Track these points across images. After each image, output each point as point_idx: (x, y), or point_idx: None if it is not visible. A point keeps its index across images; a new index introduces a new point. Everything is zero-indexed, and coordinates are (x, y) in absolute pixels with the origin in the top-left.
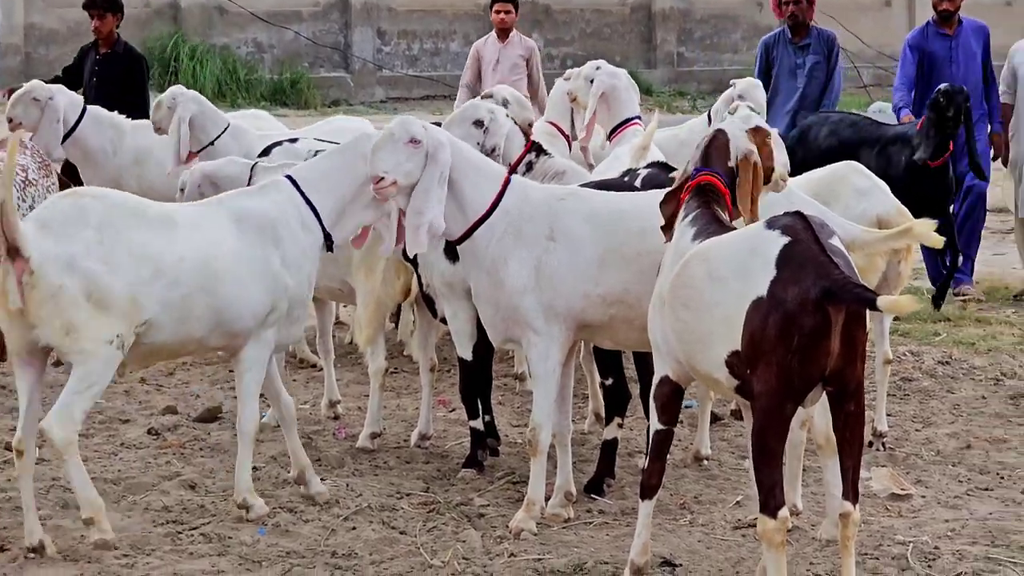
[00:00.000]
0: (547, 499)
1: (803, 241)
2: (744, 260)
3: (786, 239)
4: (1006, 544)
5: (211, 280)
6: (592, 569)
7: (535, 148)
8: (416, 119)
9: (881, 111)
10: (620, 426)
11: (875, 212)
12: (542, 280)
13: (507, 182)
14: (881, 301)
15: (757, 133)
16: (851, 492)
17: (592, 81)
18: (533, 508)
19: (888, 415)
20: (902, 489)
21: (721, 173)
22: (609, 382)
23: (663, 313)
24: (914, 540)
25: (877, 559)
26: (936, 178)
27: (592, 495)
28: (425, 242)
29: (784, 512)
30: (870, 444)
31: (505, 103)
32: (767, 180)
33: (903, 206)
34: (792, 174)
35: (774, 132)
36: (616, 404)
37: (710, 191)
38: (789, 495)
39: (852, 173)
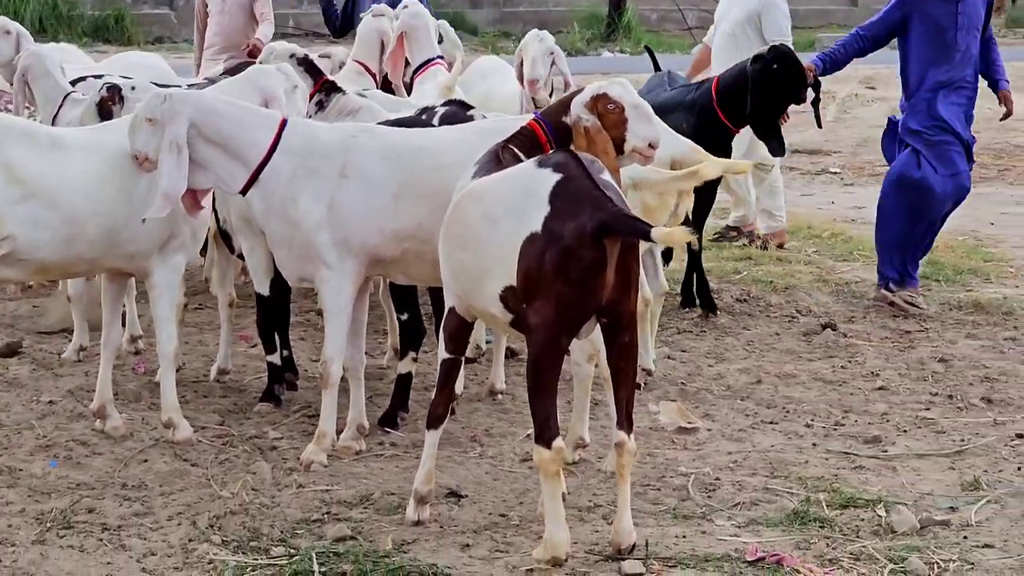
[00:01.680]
0: (342, 432)
1: (576, 177)
2: (517, 198)
3: (558, 176)
4: (784, 475)
5: (99, 204)
6: (379, 500)
7: (326, 87)
8: (160, 93)
9: None
10: (415, 360)
11: (668, 154)
12: (335, 216)
13: (283, 125)
14: (655, 232)
15: (599, 101)
16: (625, 422)
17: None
18: (324, 440)
19: (682, 351)
20: (689, 423)
21: (549, 124)
22: (404, 317)
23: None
24: (696, 472)
25: (659, 490)
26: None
27: (385, 428)
28: (162, 208)
29: (559, 443)
30: None
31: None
32: (620, 151)
33: (696, 144)
34: None
35: (637, 105)
36: (411, 339)
37: (523, 135)
38: (577, 428)
39: None
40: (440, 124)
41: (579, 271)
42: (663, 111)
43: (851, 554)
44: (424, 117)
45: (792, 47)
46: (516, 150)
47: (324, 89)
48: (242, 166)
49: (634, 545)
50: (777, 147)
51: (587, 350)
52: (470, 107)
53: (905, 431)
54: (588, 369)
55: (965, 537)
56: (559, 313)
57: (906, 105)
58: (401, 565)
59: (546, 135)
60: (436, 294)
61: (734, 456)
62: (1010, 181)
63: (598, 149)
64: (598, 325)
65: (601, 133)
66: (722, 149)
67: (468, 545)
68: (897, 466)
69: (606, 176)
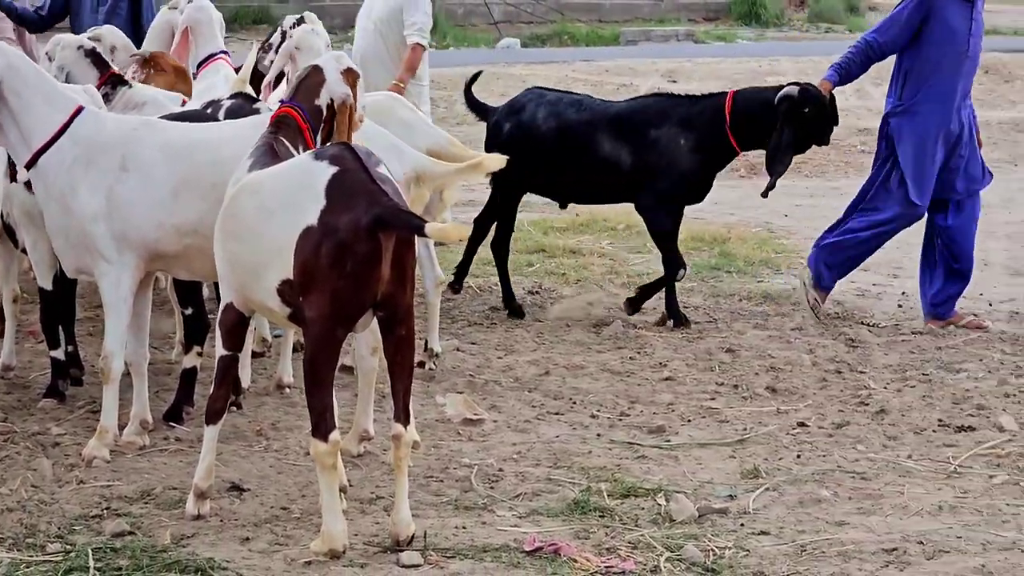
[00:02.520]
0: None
1: (352, 171)
2: (293, 191)
3: (334, 169)
4: (568, 466)
5: None
6: (160, 495)
7: (112, 80)
8: None
9: (509, 47)
10: (199, 355)
11: (424, 144)
12: (113, 209)
13: (78, 111)
14: (429, 228)
15: (349, 75)
16: (402, 414)
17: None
18: (106, 435)
19: (472, 343)
20: (475, 414)
21: (304, 108)
22: (188, 311)
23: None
24: (480, 463)
25: (442, 481)
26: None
27: (170, 423)
28: None
29: (335, 435)
30: (422, 364)
31: (113, 49)
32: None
33: (451, 136)
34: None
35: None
36: (195, 333)
37: (287, 124)
38: (361, 420)
39: (395, 104)
40: (225, 118)
41: (354, 265)
42: (660, 121)
43: (629, 543)
44: (210, 111)
45: (431, 46)
46: (285, 140)
47: (110, 82)
48: (25, 141)
49: (413, 536)
50: (771, 186)
51: (371, 343)
52: (256, 99)
53: (689, 421)
54: (372, 362)
55: (742, 524)
56: (334, 307)
57: (899, 110)
58: (178, 559)
59: (304, 120)
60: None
61: (518, 447)
62: (805, 174)
63: (353, 123)
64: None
65: (355, 109)
66: (718, 168)
67: (248, 538)
68: (679, 455)
69: (382, 169)
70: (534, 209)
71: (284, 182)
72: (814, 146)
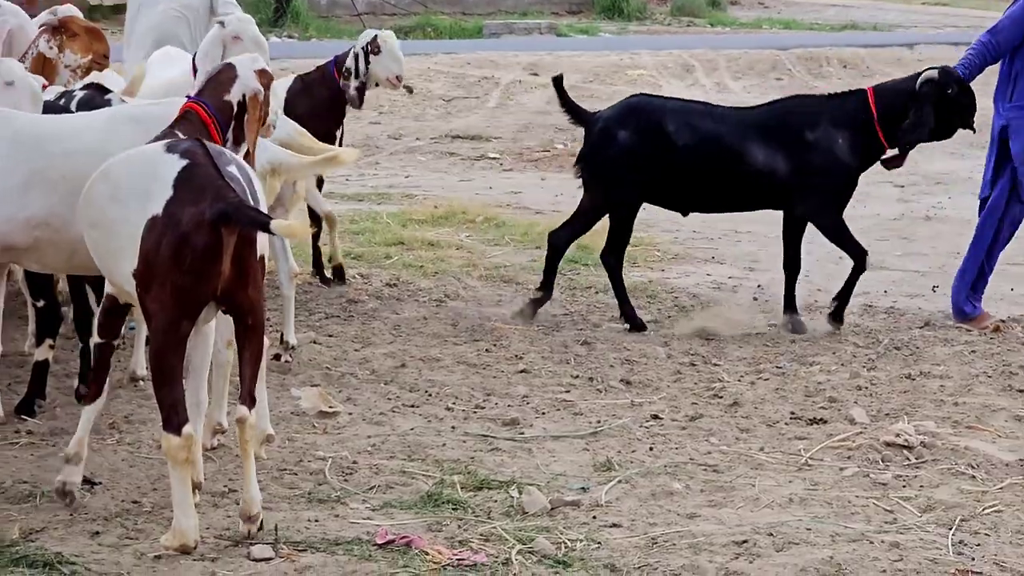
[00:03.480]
0: None
1: (202, 165)
2: (144, 180)
3: (185, 162)
4: (422, 458)
5: None
6: (10, 488)
7: None
8: None
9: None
10: (52, 347)
11: (274, 137)
12: None
13: None
14: (275, 225)
15: (263, 75)
16: (247, 398)
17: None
18: None
19: (329, 336)
20: (330, 407)
21: (210, 104)
22: (41, 304)
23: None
24: (334, 455)
25: (295, 474)
26: None
27: (22, 416)
28: None
29: (187, 429)
30: (277, 357)
31: None
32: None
33: (300, 126)
34: None
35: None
36: (47, 326)
37: (188, 119)
38: (215, 413)
39: None
40: (77, 109)
41: (193, 258)
42: (814, 123)
43: (481, 535)
44: (62, 102)
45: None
46: (184, 135)
47: None
48: None
49: (261, 519)
50: (899, 163)
51: (226, 335)
52: (108, 91)
53: (544, 413)
54: (226, 355)
55: (594, 517)
56: (175, 299)
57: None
58: (26, 554)
59: (210, 115)
60: (73, 281)
61: (373, 440)
62: None
63: (263, 120)
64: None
65: (265, 104)
66: (869, 164)
67: (98, 532)
68: (533, 448)
69: (232, 169)
70: (393, 201)
71: (136, 170)
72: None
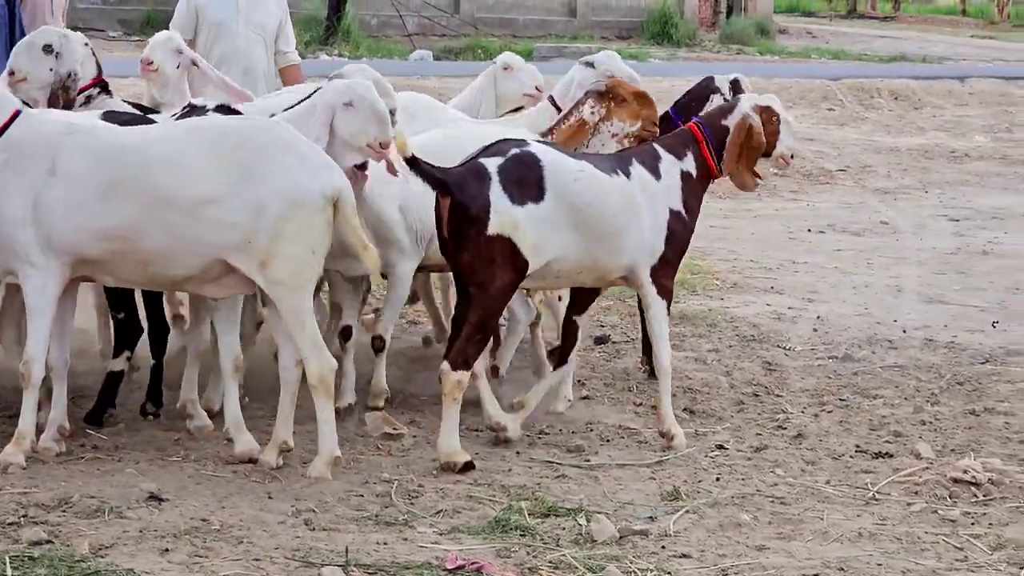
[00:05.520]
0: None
1: None
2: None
3: None
4: (488, 483)
5: None
6: (78, 503)
7: (102, 85)
8: None
9: (422, 59)
10: (129, 360)
11: None
12: (40, 214)
13: (16, 114)
14: None
15: (764, 111)
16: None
17: None
18: (23, 442)
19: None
20: (394, 429)
21: (707, 126)
22: (120, 316)
23: None
24: (400, 478)
25: (362, 496)
26: None
27: (90, 426)
28: None
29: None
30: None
31: None
32: (767, 154)
33: None
34: None
35: (786, 116)
36: (126, 338)
37: (681, 136)
38: (281, 431)
39: None
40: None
41: None
42: None
43: (550, 562)
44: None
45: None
46: (666, 149)
47: (100, 86)
48: None
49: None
50: None
51: (295, 356)
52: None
53: (608, 440)
54: (295, 373)
55: (663, 547)
56: None
57: None
58: (97, 570)
59: (704, 136)
60: (146, 296)
61: (438, 463)
62: (719, 195)
63: (752, 150)
64: None
65: (760, 136)
66: None
67: (167, 550)
68: (599, 476)
69: None
70: None
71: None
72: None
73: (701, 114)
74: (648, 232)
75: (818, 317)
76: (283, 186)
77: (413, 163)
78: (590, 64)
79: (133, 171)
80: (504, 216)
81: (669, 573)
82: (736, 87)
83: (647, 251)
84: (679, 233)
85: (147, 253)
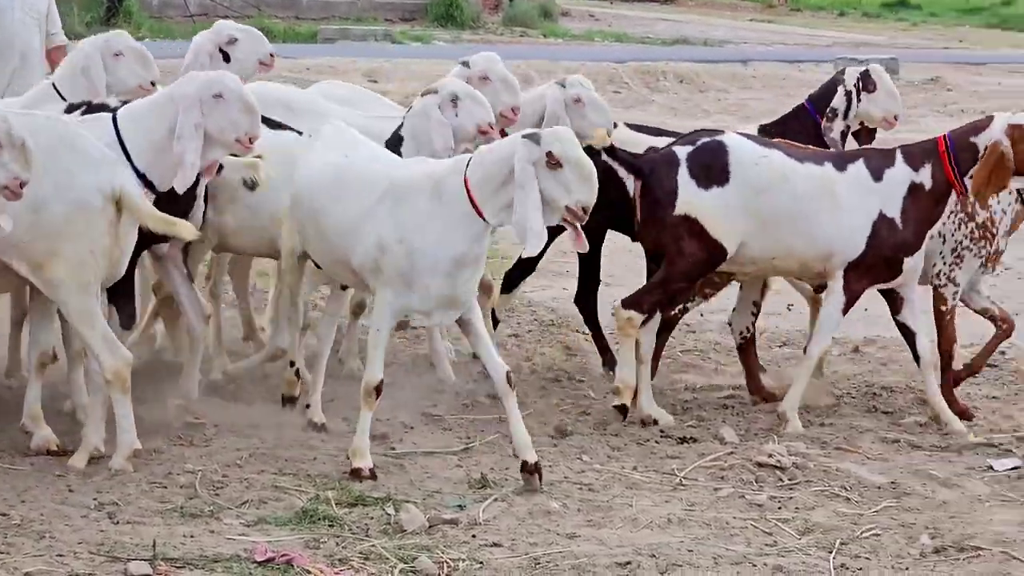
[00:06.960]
0: None
1: None
2: None
3: None
4: (293, 473)
5: None
6: None
7: None
8: None
9: None
10: None
11: None
12: None
13: None
14: None
15: (1016, 129)
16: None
17: None
18: None
19: None
20: (196, 418)
21: (954, 142)
22: None
23: None
24: (203, 468)
25: (166, 488)
26: None
27: None
28: None
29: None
30: None
31: None
32: (1020, 172)
33: None
34: None
35: None
36: None
37: (920, 148)
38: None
39: None
40: None
41: None
42: None
43: (361, 553)
44: None
45: None
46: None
47: None
48: None
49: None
50: None
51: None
52: None
53: (412, 428)
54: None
55: (473, 535)
56: None
57: None
58: None
59: (948, 152)
60: None
61: (241, 453)
62: None
63: (1002, 175)
64: None
65: (1010, 161)
66: None
67: None
68: (405, 464)
69: None
70: None
71: None
72: None
73: (954, 129)
74: (848, 227)
75: (615, 300)
76: (63, 184)
77: (611, 152)
78: (466, 64)
79: None
80: (691, 198)
81: (481, 563)
82: (865, 79)
83: (846, 245)
84: (885, 239)
85: None
